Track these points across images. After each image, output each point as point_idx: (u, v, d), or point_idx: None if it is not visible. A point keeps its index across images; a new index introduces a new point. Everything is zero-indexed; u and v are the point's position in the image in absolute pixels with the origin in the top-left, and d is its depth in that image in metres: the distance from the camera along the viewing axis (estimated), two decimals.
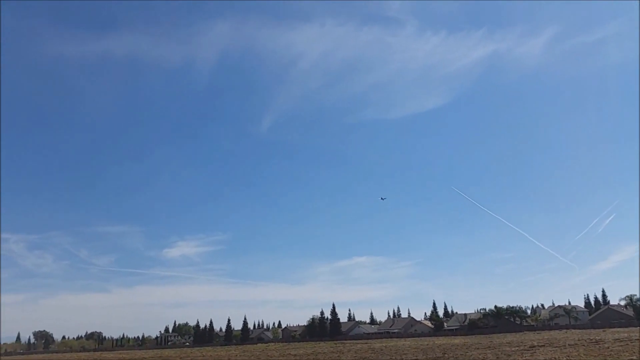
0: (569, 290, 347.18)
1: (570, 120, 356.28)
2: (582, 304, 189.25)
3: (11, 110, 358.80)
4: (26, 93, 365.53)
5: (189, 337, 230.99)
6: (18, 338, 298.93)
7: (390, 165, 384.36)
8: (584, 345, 54.08)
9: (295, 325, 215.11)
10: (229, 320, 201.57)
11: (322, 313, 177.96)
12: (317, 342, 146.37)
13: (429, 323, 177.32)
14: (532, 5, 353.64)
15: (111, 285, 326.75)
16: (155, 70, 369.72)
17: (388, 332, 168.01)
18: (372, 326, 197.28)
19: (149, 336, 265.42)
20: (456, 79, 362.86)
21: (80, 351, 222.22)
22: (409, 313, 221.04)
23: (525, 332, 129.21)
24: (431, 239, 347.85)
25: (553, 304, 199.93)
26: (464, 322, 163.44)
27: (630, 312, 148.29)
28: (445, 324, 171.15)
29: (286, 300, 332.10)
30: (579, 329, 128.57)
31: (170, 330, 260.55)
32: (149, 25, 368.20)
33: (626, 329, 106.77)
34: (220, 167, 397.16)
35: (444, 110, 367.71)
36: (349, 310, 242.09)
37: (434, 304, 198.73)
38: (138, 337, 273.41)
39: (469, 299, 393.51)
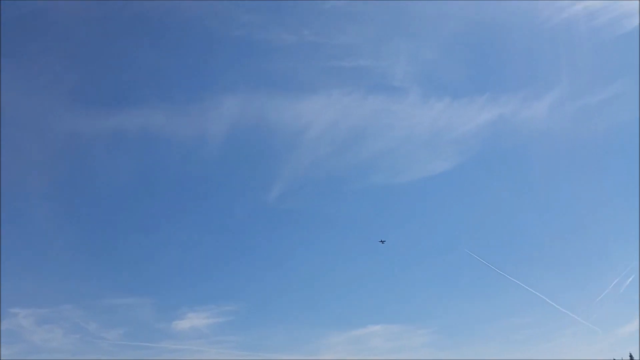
0: (593, 354, 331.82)
1: (582, 180, 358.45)
2: None
3: (23, 184, 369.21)
4: (37, 167, 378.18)
5: None
6: None
7: (400, 229, 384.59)
8: None
9: None
10: None
11: None
12: None
13: None
14: (534, 69, 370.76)
15: (120, 359, 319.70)
16: (167, 144, 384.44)
17: None
18: None
19: None
20: (463, 142, 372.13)
21: None
22: None
23: None
24: (447, 305, 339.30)
25: None
26: None
27: None
28: None
29: None
30: None
31: None
32: (161, 101, 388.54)
33: None
34: (231, 237, 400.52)
35: (452, 172, 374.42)
36: None
37: None
38: None
39: None
